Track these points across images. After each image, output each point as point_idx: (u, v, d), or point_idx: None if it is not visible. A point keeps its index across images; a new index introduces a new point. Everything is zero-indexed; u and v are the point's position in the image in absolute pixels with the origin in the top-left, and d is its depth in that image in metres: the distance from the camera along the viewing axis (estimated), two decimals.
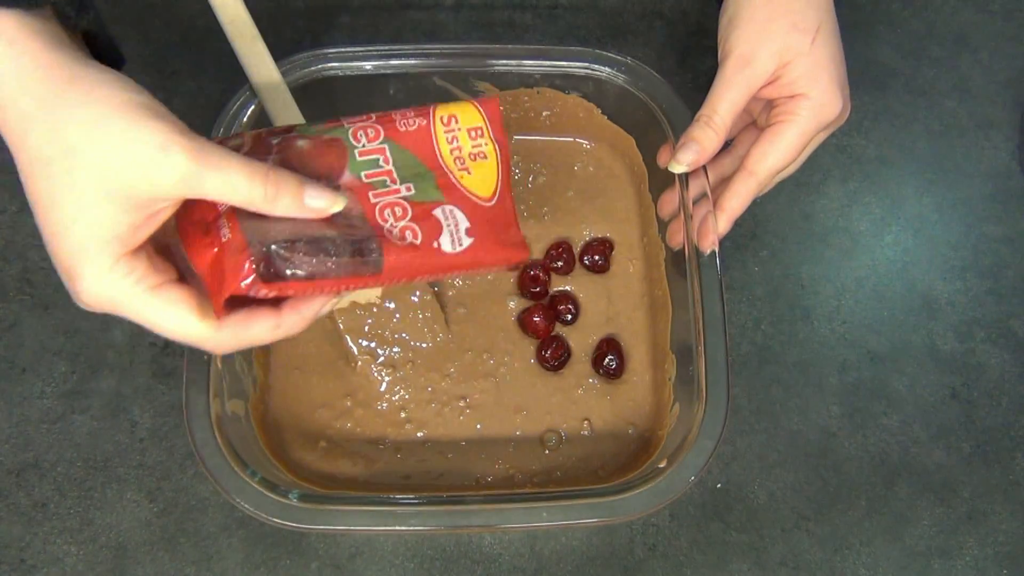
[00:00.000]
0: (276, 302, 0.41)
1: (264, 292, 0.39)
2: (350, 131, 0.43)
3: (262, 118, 0.54)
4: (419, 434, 0.57)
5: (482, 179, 0.44)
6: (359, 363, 0.58)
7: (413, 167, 0.43)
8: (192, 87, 0.66)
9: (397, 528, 0.47)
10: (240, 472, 0.47)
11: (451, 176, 0.44)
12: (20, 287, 0.60)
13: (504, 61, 0.58)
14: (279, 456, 0.54)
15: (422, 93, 0.60)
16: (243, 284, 0.38)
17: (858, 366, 0.62)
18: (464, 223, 0.43)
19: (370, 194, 0.42)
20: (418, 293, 0.58)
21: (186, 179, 0.37)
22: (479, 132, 0.45)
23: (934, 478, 0.59)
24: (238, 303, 0.40)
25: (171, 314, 0.39)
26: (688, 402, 0.51)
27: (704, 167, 0.53)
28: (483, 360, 0.59)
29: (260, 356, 0.57)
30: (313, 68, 0.56)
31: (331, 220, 0.40)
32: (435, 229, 0.42)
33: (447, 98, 0.60)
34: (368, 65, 0.57)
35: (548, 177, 0.64)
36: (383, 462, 0.56)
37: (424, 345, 0.59)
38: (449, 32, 0.69)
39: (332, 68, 0.57)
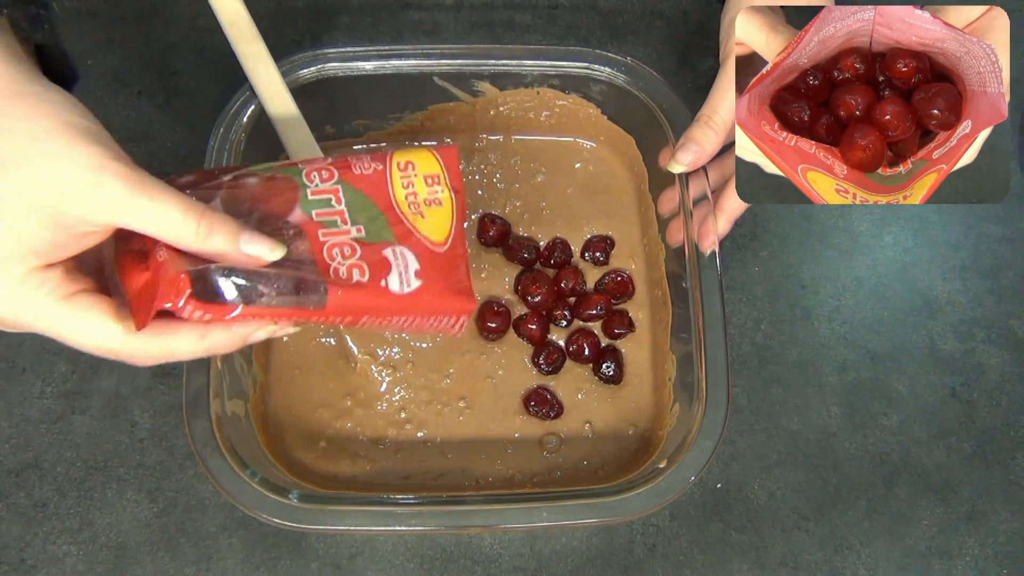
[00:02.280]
0: None
1: (199, 314, 0.38)
2: (303, 171, 0.43)
3: (262, 118, 0.54)
4: (419, 434, 0.57)
5: (436, 224, 0.44)
6: (359, 363, 0.58)
7: (366, 209, 0.43)
8: (192, 87, 0.66)
9: (397, 528, 0.47)
10: (240, 472, 0.47)
11: (404, 219, 0.43)
12: None
13: (504, 61, 0.58)
14: (279, 456, 0.54)
15: (422, 93, 0.60)
16: (178, 302, 0.37)
17: (858, 366, 0.62)
18: (414, 264, 0.42)
19: (319, 232, 0.41)
20: None
21: (117, 205, 0.36)
22: (435, 179, 0.45)
23: (934, 478, 0.59)
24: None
25: (84, 321, 0.37)
26: (688, 402, 0.51)
27: (704, 167, 0.53)
28: (482, 361, 0.59)
29: (260, 356, 0.57)
30: (313, 68, 0.56)
31: None
32: (383, 268, 0.42)
33: (447, 98, 0.60)
34: (368, 65, 0.57)
35: (548, 177, 0.64)
36: (383, 462, 0.56)
37: (424, 345, 0.59)
38: (449, 32, 0.69)
39: (332, 68, 0.57)
